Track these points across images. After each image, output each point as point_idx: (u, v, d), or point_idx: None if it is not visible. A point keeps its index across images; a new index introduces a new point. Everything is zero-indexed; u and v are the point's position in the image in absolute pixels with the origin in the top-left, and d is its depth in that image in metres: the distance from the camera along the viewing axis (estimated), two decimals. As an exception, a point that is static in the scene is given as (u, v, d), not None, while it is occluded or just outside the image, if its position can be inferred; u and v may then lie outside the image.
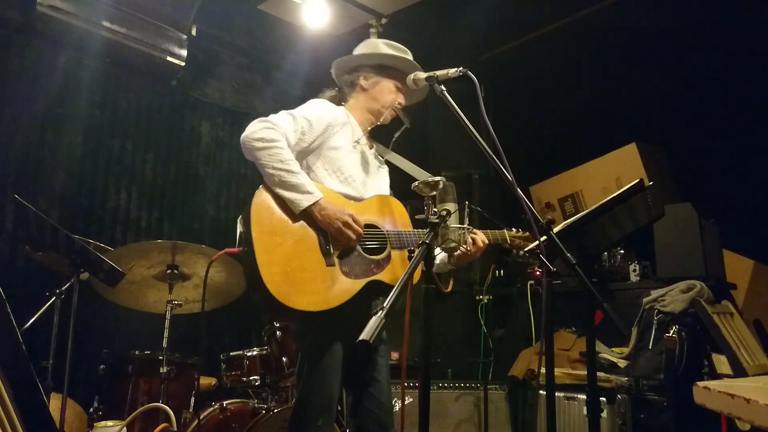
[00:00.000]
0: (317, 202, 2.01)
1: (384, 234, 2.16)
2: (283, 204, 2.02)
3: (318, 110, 2.20)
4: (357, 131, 2.30)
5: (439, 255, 2.25)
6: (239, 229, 2.02)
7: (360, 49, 2.41)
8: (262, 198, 2.03)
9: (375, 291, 2.08)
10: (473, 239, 2.16)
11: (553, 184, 4.64)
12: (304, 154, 2.18)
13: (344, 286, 2.02)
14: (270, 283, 1.91)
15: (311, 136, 2.14)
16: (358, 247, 2.10)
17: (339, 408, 2.29)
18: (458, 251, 2.00)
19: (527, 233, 2.27)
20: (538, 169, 4.71)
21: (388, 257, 2.15)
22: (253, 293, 1.97)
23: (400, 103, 2.35)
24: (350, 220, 2.03)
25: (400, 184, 2.47)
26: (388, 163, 2.51)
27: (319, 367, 2.03)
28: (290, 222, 2.02)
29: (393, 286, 1.46)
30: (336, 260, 2.04)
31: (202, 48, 4.42)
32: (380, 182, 2.37)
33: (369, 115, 2.36)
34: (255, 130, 2.02)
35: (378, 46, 2.37)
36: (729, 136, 4.09)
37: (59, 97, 3.83)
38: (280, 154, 2.01)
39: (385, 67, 2.35)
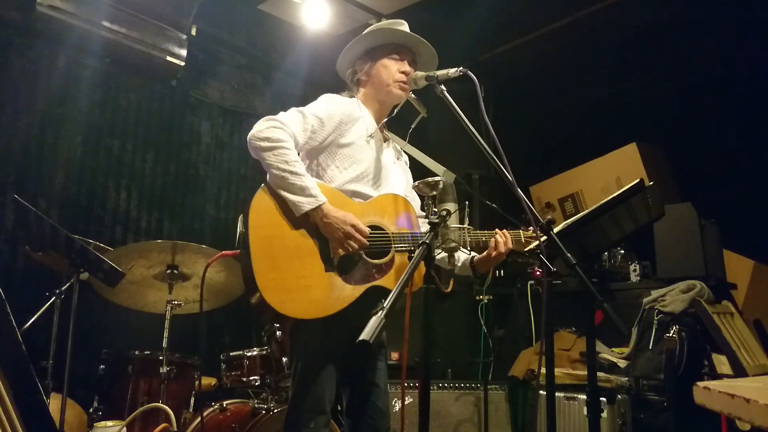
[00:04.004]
0: (320, 206, 1.94)
1: (389, 236, 2.08)
2: (285, 206, 1.95)
3: (329, 107, 2.12)
4: (371, 125, 2.21)
5: (461, 258, 2.24)
6: (239, 228, 1.97)
7: None
8: (263, 199, 1.97)
9: (376, 295, 2.02)
10: (496, 243, 2.09)
11: (553, 184, 4.65)
12: (315, 152, 2.13)
13: (343, 293, 1.96)
14: (265, 288, 1.87)
15: (322, 135, 2.08)
16: (361, 251, 2.03)
17: (339, 408, 2.28)
18: (456, 251, 1.99)
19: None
20: (538, 169, 4.72)
21: (392, 261, 2.07)
22: (249, 296, 1.93)
23: (404, 72, 2.21)
24: (353, 231, 1.96)
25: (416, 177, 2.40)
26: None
27: (312, 369, 1.98)
28: (291, 225, 1.95)
29: None
30: (336, 266, 1.98)
31: (202, 48, 4.43)
32: (397, 177, 2.28)
33: (380, 104, 2.27)
34: (262, 128, 1.96)
35: (361, 37, 2.28)
36: (729, 136, 4.10)
37: (59, 97, 3.83)
38: (285, 155, 1.94)
39: (373, 49, 2.27)
